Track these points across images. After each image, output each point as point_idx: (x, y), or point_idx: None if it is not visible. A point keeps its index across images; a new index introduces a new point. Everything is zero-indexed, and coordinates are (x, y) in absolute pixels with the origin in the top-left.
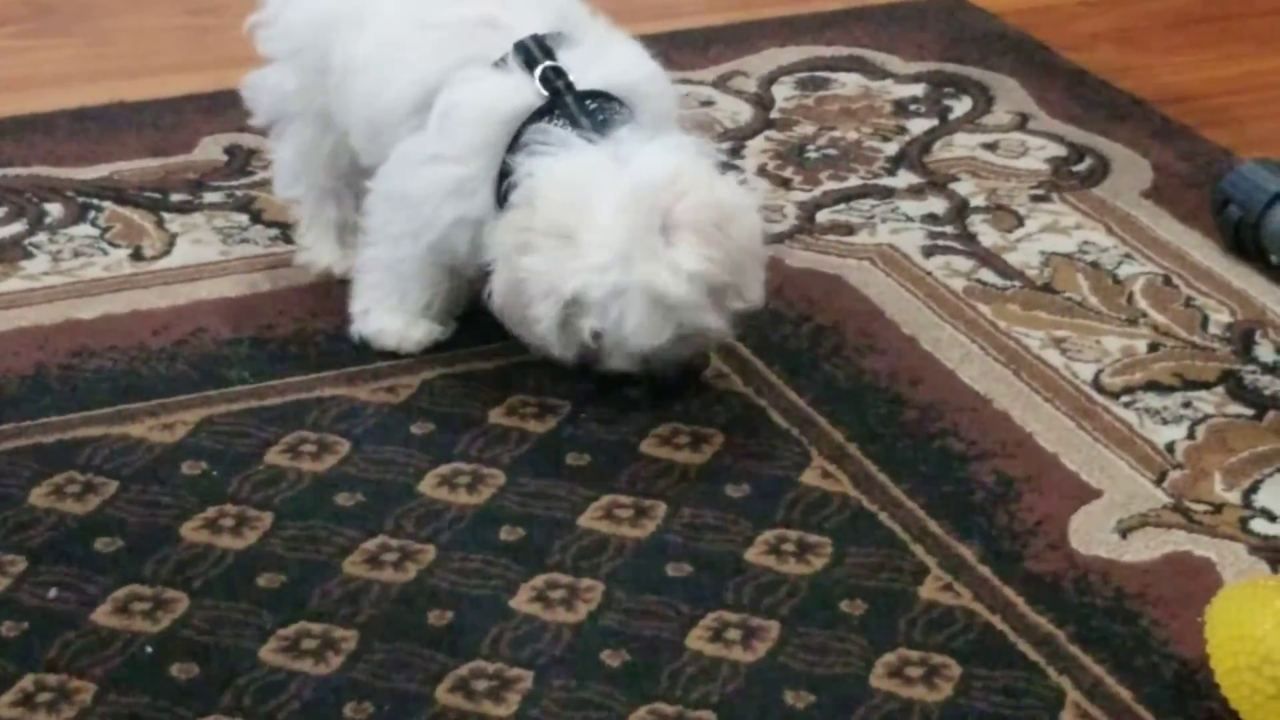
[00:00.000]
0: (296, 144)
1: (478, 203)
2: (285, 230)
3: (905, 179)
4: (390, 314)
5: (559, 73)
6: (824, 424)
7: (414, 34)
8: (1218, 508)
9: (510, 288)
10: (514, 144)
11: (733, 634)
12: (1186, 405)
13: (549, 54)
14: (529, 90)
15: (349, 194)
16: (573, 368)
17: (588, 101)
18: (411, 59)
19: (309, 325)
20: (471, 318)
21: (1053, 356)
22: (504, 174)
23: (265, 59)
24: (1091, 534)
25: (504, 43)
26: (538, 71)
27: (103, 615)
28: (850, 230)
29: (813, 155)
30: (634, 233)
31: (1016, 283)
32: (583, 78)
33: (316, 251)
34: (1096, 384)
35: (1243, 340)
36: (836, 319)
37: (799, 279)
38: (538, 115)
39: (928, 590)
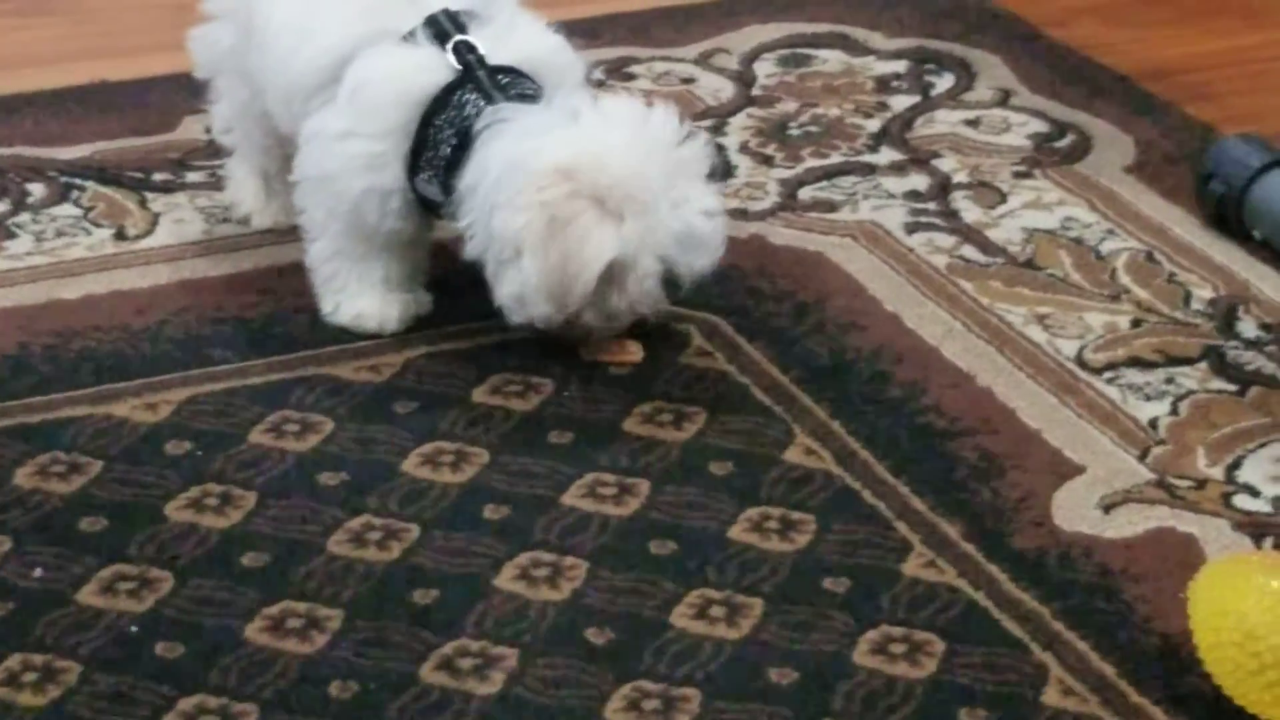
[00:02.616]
0: (230, 100)
1: (388, 175)
2: None
3: (887, 155)
4: (358, 297)
5: (470, 47)
6: (807, 401)
7: (329, 2)
8: (1201, 483)
9: (559, 263)
10: (427, 118)
11: (716, 611)
12: (1169, 381)
13: (461, 28)
14: (440, 65)
15: (279, 150)
16: (546, 339)
17: (499, 76)
18: (323, 27)
19: (292, 304)
20: (451, 295)
21: (1035, 333)
22: (419, 145)
23: (207, 16)
24: (1075, 510)
25: (416, 16)
26: (449, 45)
27: (88, 595)
28: (832, 207)
29: (795, 132)
30: (661, 184)
31: (999, 259)
32: (493, 54)
33: (241, 196)
34: (1079, 360)
35: (1225, 316)
36: (819, 296)
37: (781, 256)
38: (450, 89)
39: (911, 567)
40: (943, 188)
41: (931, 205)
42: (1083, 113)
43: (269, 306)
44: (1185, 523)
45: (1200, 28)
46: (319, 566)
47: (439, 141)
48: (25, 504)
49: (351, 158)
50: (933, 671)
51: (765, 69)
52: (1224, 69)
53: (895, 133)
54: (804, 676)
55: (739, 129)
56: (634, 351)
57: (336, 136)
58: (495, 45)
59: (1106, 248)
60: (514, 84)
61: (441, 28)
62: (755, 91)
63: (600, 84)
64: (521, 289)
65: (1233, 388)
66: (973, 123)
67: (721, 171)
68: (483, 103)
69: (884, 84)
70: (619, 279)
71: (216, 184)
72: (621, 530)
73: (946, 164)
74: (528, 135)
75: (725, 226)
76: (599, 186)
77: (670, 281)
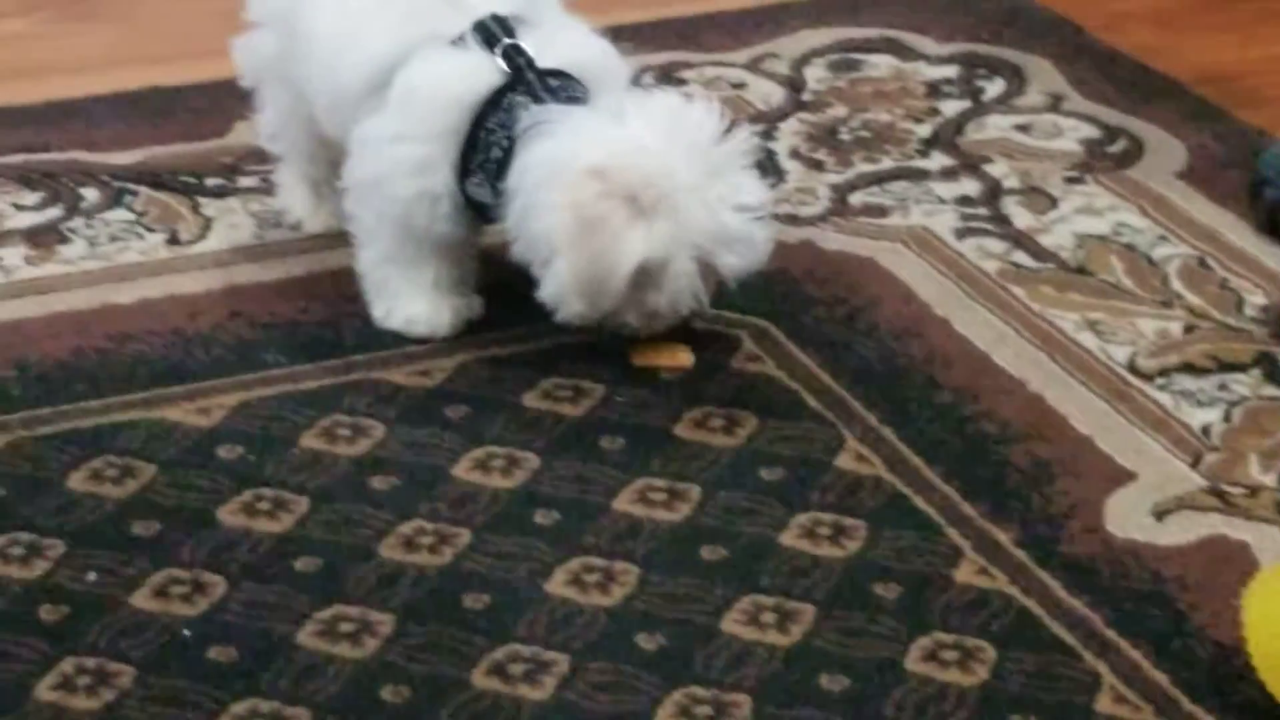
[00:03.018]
0: (276, 107)
1: (438, 179)
2: None
3: (938, 161)
4: (410, 302)
5: (519, 50)
6: (858, 407)
7: (374, 8)
8: (1254, 491)
9: (590, 263)
10: (478, 121)
11: (768, 617)
12: (1222, 388)
13: (509, 33)
14: (490, 68)
15: (325, 156)
16: (596, 344)
17: (549, 79)
18: (370, 33)
19: (344, 309)
20: (502, 300)
21: (1087, 339)
22: (469, 149)
23: (251, 24)
24: (1127, 517)
25: (463, 21)
26: (498, 49)
27: (141, 599)
28: (883, 212)
29: (845, 137)
30: (696, 180)
31: (1050, 265)
32: (540, 58)
33: (291, 202)
34: (1131, 366)
35: (1278, 322)
36: (870, 302)
37: (832, 262)
38: (500, 93)
39: (962, 573)
40: (994, 193)
41: (982, 210)
42: (1134, 118)
43: (321, 311)
44: (1238, 530)
45: (1252, 33)
46: (371, 571)
47: (490, 144)
48: (78, 508)
49: (400, 161)
50: (984, 678)
51: (816, 74)
52: (1276, 74)
53: (946, 138)
54: (855, 683)
55: (789, 134)
56: (684, 357)
57: (386, 140)
58: (542, 49)
59: (1158, 253)
60: (563, 87)
61: (490, 32)
62: (806, 96)
63: (650, 89)
64: (558, 288)
65: None
66: (1024, 128)
67: (772, 174)
68: (533, 105)
69: (935, 89)
70: (655, 278)
71: (269, 189)
72: (672, 536)
73: (997, 169)
74: (570, 136)
75: (769, 222)
76: (630, 186)
77: (715, 280)
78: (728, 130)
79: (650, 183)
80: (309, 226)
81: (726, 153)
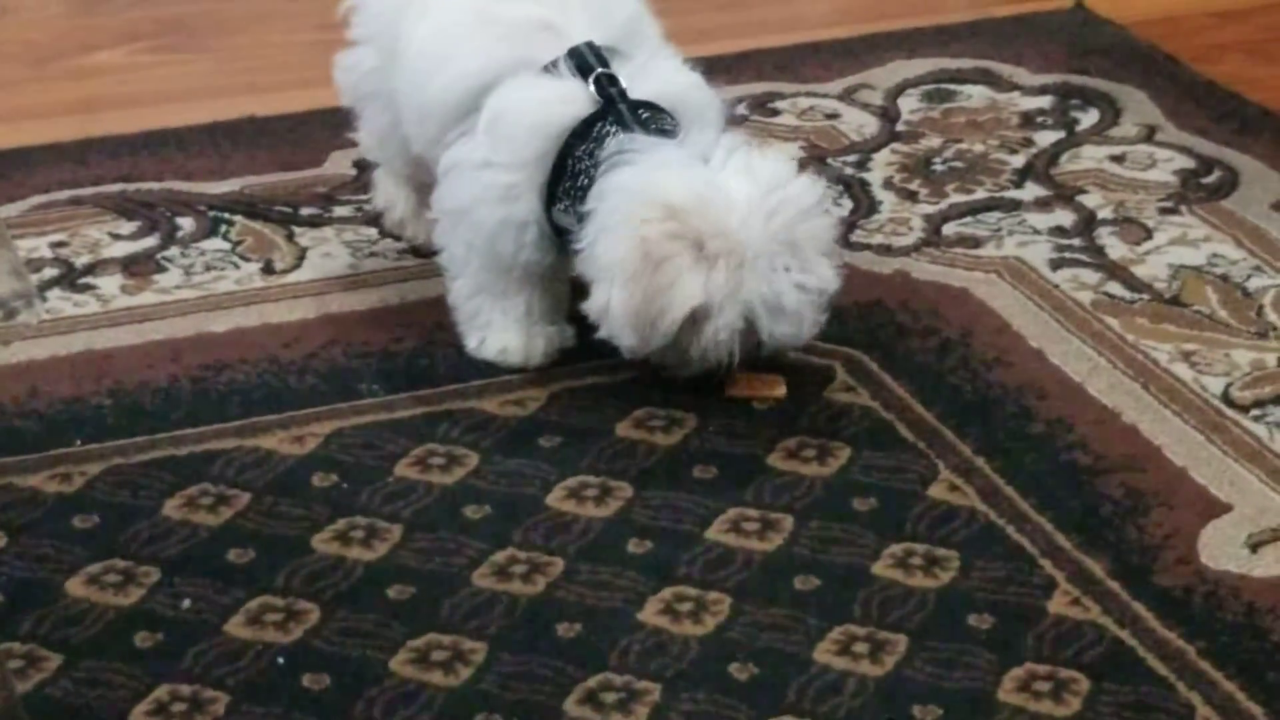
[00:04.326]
0: (373, 126)
1: (522, 206)
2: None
3: (1032, 191)
4: (503, 332)
5: (612, 80)
6: (951, 437)
7: (470, 27)
8: None
9: (645, 300)
10: (567, 149)
11: (860, 647)
12: None
13: (603, 62)
14: (582, 97)
15: (420, 173)
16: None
17: (640, 110)
18: (463, 52)
19: (437, 338)
20: (594, 329)
21: (1181, 370)
22: (556, 176)
23: (352, 42)
24: (1221, 548)
25: (558, 47)
26: (591, 77)
27: (235, 626)
28: (977, 243)
29: (939, 168)
30: (769, 246)
31: (1145, 296)
32: (633, 89)
33: (390, 201)
34: (1226, 397)
35: None
36: (963, 332)
37: (926, 292)
38: (590, 122)
39: (1056, 604)
40: (1088, 224)
41: (1077, 241)
42: (1229, 149)
43: (414, 340)
44: None
45: None
46: (464, 599)
47: (578, 172)
48: (174, 535)
49: (487, 188)
50: (1078, 709)
51: (909, 104)
52: None
53: (1040, 168)
54: (948, 713)
55: (883, 164)
56: (778, 388)
57: (475, 166)
58: (635, 81)
59: (1253, 284)
60: (654, 119)
61: (584, 60)
62: (899, 127)
63: (744, 119)
64: (609, 315)
65: None
66: (1118, 158)
67: (864, 205)
68: (621, 134)
69: (1029, 119)
70: (700, 326)
71: (363, 218)
72: (765, 565)
73: (1092, 200)
74: (654, 169)
75: (823, 306)
76: (700, 232)
77: (755, 342)
78: (819, 208)
79: (720, 232)
80: (411, 231)
81: (811, 230)
